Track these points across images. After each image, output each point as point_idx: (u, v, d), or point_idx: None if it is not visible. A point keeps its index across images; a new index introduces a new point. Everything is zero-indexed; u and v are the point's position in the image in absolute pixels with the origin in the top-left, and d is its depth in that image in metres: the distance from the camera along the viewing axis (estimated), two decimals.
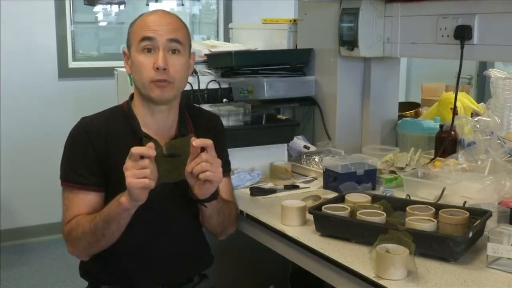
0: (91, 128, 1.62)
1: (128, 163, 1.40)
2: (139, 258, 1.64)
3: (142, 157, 1.40)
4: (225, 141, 1.83)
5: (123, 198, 1.45)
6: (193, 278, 1.78)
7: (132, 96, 1.71)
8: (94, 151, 1.60)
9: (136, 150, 1.39)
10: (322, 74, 2.52)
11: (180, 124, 1.70)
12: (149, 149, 1.40)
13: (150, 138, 1.60)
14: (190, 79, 2.42)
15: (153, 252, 1.65)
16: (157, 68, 1.57)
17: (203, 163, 1.45)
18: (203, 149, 1.46)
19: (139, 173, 1.38)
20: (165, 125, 1.67)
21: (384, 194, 1.87)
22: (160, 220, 1.64)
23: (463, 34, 1.97)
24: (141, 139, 1.60)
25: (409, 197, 1.84)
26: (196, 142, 1.44)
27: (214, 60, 2.55)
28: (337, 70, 2.44)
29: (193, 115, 1.76)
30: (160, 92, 1.59)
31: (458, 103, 2.55)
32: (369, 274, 1.35)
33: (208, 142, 1.46)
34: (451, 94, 2.64)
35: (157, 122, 1.66)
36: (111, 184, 1.60)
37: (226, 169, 1.74)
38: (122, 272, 1.65)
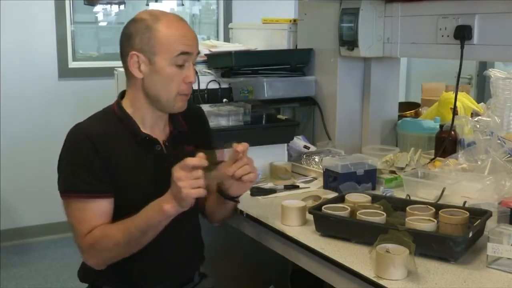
0: (91, 133, 1.57)
1: (181, 174, 1.41)
2: (142, 258, 1.64)
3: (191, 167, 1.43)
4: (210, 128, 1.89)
5: (167, 206, 1.44)
6: (193, 277, 1.79)
7: (121, 97, 1.67)
8: (98, 157, 1.55)
9: (190, 161, 1.42)
10: (322, 74, 2.52)
11: (172, 120, 1.71)
12: (201, 160, 1.43)
13: (152, 140, 1.62)
14: None
15: (156, 253, 1.64)
16: (189, 82, 1.61)
17: (246, 166, 1.54)
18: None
19: (194, 183, 1.41)
20: (161, 124, 1.68)
21: (384, 194, 1.87)
22: (168, 229, 1.64)
23: (463, 34, 1.97)
24: (143, 140, 1.61)
25: (409, 197, 1.84)
26: (239, 147, 1.54)
27: (214, 60, 2.55)
28: (337, 70, 2.44)
29: None
30: (183, 104, 1.65)
31: (458, 103, 2.55)
32: (369, 274, 1.35)
33: (246, 145, 1.56)
34: (451, 94, 2.64)
35: (155, 122, 1.66)
36: (117, 188, 1.58)
37: None
38: (124, 273, 1.64)
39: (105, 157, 1.56)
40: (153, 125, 1.66)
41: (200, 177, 1.42)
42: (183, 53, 1.58)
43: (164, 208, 1.45)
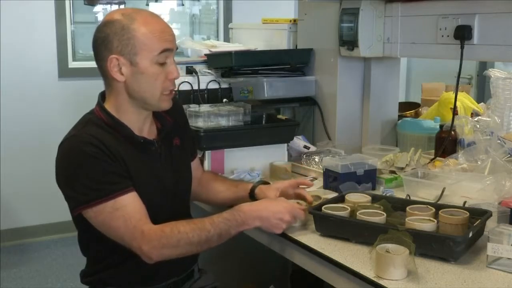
0: (91, 140, 1.51)
1: (289, 220, 1.58)
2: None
3: None
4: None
5: (251, 223, 1.54)
6: (193, 274, 1.79)
7: (102, 102, 1.63)
8: (111, 158, 1.51)
9: (301, 216, 1.62)
10: (322, 74, 2.52)
11: (157, 117, 1.70)
12: (303, 215, 1.63)
13: (147, 142, 1.62)
14: (190, 79, 2.43)
15: None
16: (172, 79, 1.59)
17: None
18: None
19: (289, 226, 1.61)
20: (147, 124, 1.67)
21: (384, 194, 1.87)
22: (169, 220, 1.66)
23: (463, 34, 1.97)
24: (139, 143, 1.60)
25: (409, 197, 1.84)
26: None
27: (214, 60, 2.56)
28: (337, 70, 2.44)
29: None
30: (169, 103, 1.63)
31: (458, 103, 2.55)
32: (369, 274, 1.35)
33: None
34: (451, 94, 2.64)
35: (142, 123, 1.65)
36: None
37: (196, 154, 1.91)
38: (127, 274, 1.64)
39: (117, 158, 1.53)
40: (141, 127, 1.64)
41: (294, 222, 1.63)
42: (166, 50, 1.55)
43: (248, 223, 1.54)
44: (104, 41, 1.55)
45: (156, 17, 1.60)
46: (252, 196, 1.81)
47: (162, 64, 1.57)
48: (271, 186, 1.84)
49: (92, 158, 1.49)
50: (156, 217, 1.56)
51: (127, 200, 1.51)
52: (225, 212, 1.55)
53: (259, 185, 1.83)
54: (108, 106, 1.62)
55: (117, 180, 1.52)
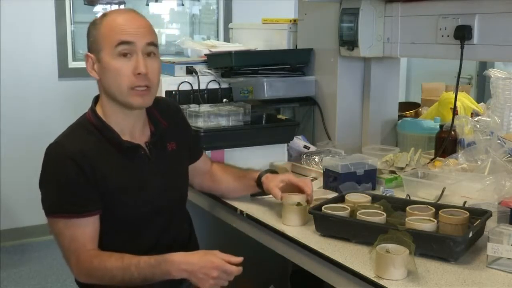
0: (72, 152, 1.52)
1: (215, 275, 1.46)
2: None
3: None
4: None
5: (176, 274, 1.46)
6: None
7: (94, 106, 1.64)
8: (83, 176, 1.51)
9: (232, 271, 1.49)
10: (322, 74, 2.52)
11: (152, 121, 1.68)
12: (239, 270, 1.52)
13: (134, 147, 1.60)
14: (190, 79, 2.43)
15: (154, 251, 1.65)
16: (138, 74, 1.53)
17: None
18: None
19: (219, 284, 1.48)
20: (139, 126, 1.65)
21: (384, 194, 1.87)
22: (165, 227, 1.67)
23: (463, 34, 1.97)
24: (126, 149, 1.59)
25: (409, 197, 1.84)
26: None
27: (214, 60, 2.55)
28: (337, 70, 2.44)
29: (157, 107, 1.71)
30: (142, 100, 1.57)
31: (458, 103, 2.55)
32: (369, 274, 1.35)
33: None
34: (451, 94, 2.64)
35: (132, 125, 1.62)
36: (108, 198, 1.56)
37: (201, 151, 1.92)
38: None
39: (90, 174, 1.52)
40: (132, 129, 1.62)
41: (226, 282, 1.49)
42: (122, 42, 1.52)
43: (174, 274, 1.47)
44: (86, 40, 1.60)
45: (127, 12, 1.58)
46: (259, 185, 1.82)
47: (126, 59, 1.53)
48: (277, 176, 1.82)
49: (66, 173, 1.52)
50: (145, 220, 1.58)
51: (80, 223, 1.52)
52: (154, 258, 1.49)
53: (266, 173, 1.84)
54: (98, 108, 1.62)
55: (79, 202, 1.52)
